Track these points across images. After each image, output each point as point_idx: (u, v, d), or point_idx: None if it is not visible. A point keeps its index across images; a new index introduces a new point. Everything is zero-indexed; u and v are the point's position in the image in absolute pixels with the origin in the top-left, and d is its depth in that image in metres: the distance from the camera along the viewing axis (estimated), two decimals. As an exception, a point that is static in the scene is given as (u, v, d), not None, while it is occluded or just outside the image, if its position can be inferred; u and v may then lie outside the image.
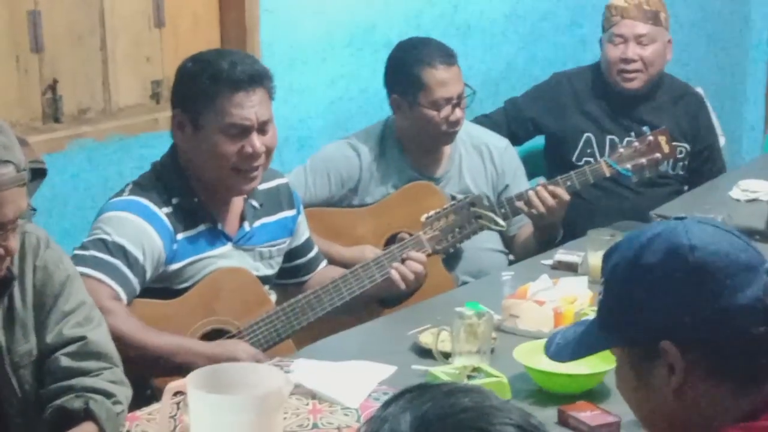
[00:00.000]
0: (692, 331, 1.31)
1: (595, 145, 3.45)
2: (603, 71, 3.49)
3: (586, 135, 3.45)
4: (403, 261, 2.66)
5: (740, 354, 1.32)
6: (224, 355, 2.29)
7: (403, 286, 2.63)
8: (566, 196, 2.97)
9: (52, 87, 3.13)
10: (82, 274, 2.16)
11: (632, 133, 3.42)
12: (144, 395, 2.22)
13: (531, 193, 2.96)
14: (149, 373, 2.32)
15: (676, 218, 1.39)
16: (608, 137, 3.45)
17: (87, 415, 1.84)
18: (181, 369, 2.29)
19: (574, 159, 3.44)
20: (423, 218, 2.75)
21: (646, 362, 1.35)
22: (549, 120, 3.50)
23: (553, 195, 2.95)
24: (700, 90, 4.82)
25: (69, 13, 3.14)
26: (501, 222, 2.83)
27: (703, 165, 3.51)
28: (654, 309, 1.33)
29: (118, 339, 2.11)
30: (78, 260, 2.26)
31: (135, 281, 2.33)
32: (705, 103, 3.68)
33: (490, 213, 2.81)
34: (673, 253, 1.33)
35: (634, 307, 1.35)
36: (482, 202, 2.83)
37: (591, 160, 3.39)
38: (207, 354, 2.30)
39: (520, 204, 2.97)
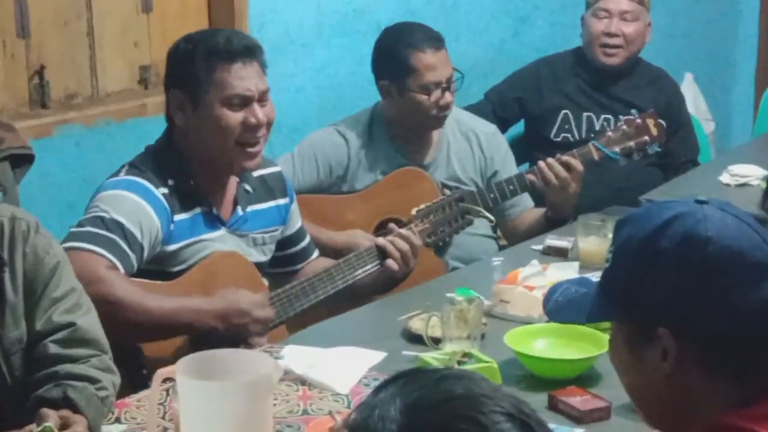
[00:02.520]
0: (692, 322, 1.30)
1: (572, 122, 3.50)
2: (584, 47, 3.54)
3: (563, 112, 3.50)
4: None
5: (739, 350, 1.30)
6: (228, 308, 2.29)
7: (396, 254, 2.61)
8: (580, 167, 2.96)
9: (39, 73, 3.11)
10: (79, 249, 2.17)
11: (609, 110, 3.49)
12: (140, 374, 2.21)
13: (542, 164, 2.96)
14: (153, 339, 2.30)
15: (698, 201, 1.35)
16: (585, 114, 3.51)
17: (66, 403, 1.82)
18: (186, 329, 2.29)
19: (552, 136, 3.49)
20: (413, 212, 2.75)
21: (641, 342, 1.33)
22: (530, 100, 3.53)
23: (567, 166, 2.95)
24: (689, 75, 4.84)
25: (55, -3, 3.12)
26: (490, 216, 2.84)
27: (678, 144, 3.53)
28: (658, 294, 1.31)
29: (119, 305, 2.12)
30: (75, 236, 2.26)
31: (133, 257, 2.31)
32: (679, 88, 3.75)
33: (478, 208, 2.82)
34: (689, 242, 1.30)
35: (639, 287, 1.33)
36: (470, 197, 2.84)
37: (568, 136, 3.47)
38: (210, 309, 2.29)
39: (531, 177, 2.96)
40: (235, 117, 2.39)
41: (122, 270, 2.28)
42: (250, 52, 2.40)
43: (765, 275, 1.30)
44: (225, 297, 2.33)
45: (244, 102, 2.39)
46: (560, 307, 1.44)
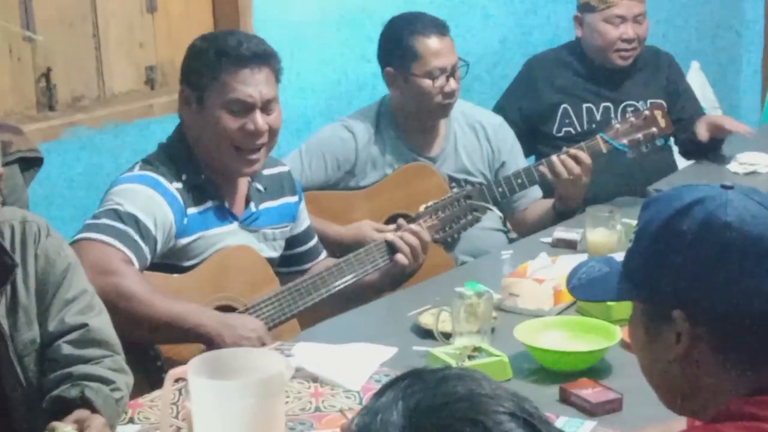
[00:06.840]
0: (708, 307, 1.30)
1: (572, 115, 3.48)
2: (593, 50, 3.48)
3: (562, 107, 3.48)
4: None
5: (752, 336, 1.30)
6: (233, 323, 2.28)
7: (406, 248, 2.62)
8: (588, 160, 2.97)
9: (46, 75, 3.12)
10: (94, 240, 2.20)
11: (608, 99, 3.48)
12: (159, 377, 2.22)
13: (554, 158, 2.96)
14: (158, 339, 2.30)
15: (723, 186, 1.35)
16: (584, 105, 3.49)
17: (83, 403, 1.84)
18: (188, 334, 2.29)
19: (554, 131, 3.47)
20: (422, 208, 2.77)
21: (656, 323, 1.35)
22: (528, 103, 3.51)
23: (576, 160, 2.95)
24: (696, 64, 4.83)
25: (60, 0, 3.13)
26: (498, 212, 2.85)
27: (683, 113, 3.52)
28: (675, 276, 1.31)
29: (130, 298, 2.14)
30: (90, 228, 2.28)
31: (146, 250, 2.32)
32: (674, 59, 3.70)
33: (486, 205, 2.83)
34: (708, 226, 1.30)
35: (657, 268, 1.33)
36: (478, 193, 2.85)
37: (570, 129, 3.45)
38: (216, 319, 2.28)
39: (543, 169, 2.97)
40: (233, 122, 2.39)
41: (136, 263, 2.29)
42: (260, 58, 2.40)
43: None
44: (233, 315, 2.35)
45: (245, 108, 2.39)
46: (583, 285, 1.44)
